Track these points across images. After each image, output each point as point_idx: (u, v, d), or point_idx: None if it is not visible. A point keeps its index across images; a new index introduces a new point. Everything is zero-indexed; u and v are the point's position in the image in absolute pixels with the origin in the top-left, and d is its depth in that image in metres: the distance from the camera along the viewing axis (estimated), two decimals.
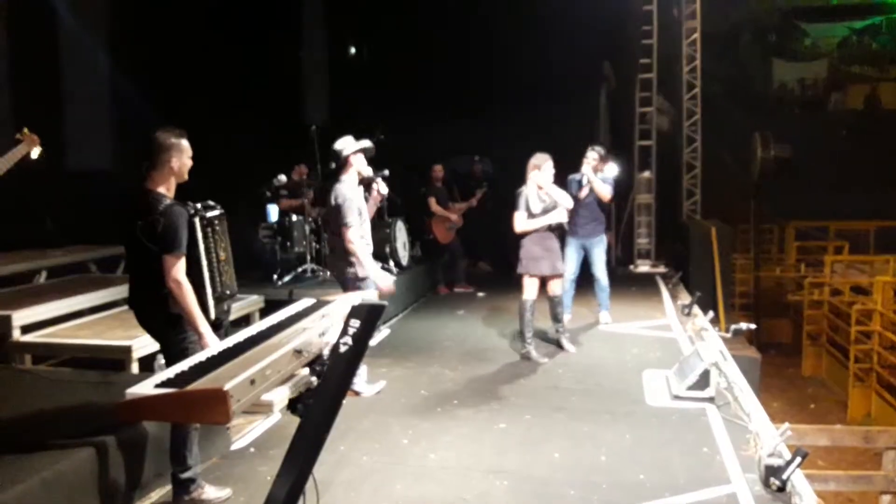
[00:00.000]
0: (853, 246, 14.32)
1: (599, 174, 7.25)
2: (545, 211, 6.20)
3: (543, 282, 6.28)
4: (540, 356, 6.29)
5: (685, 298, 8.65)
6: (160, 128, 3.45)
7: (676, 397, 5.20)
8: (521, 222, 6.20)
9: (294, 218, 8.10)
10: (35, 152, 4.14)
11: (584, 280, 7.60)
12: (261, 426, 4.67)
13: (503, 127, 11.71)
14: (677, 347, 6.66)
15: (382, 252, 8.73)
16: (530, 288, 6.24)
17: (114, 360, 4.93)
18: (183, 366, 2.24)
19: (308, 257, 8.11)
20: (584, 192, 7.19)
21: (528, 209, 6.18)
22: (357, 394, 5.17)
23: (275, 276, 7.86)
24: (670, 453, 4.30)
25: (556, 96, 11.59)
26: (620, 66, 13.46)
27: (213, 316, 3.49)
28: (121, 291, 6.31)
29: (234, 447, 4.37)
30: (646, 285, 10.24)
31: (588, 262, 7.38)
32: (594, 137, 12.64)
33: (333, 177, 5.28)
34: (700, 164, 12.95)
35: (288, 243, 8.04)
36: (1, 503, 2.67)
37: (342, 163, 5.17)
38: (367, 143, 5.29)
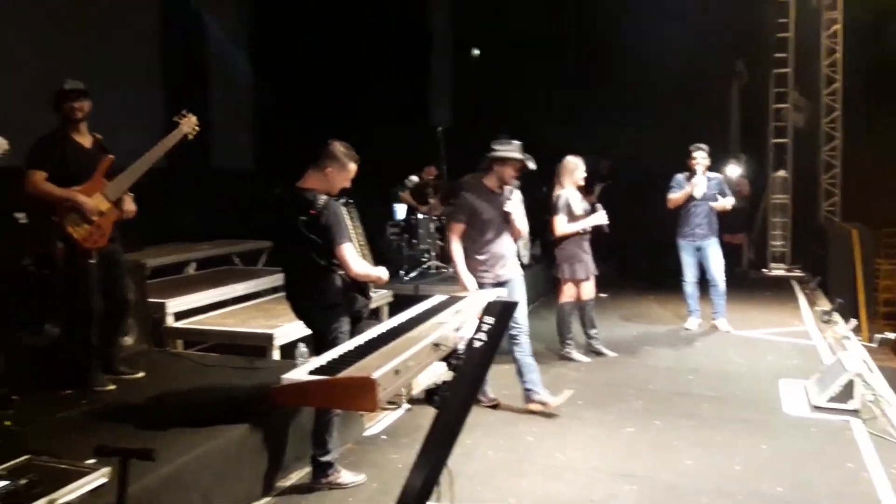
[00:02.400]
0: None
1: (711, 182, 6.97)
2: (586, 213, 6.17)
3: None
4: (581, 355, 6.33)
5: (824, 304, 8.18)
6: (338, 141, 3.72)
7: (816, 408, 4.93)
8: (562, 225, 6.12)
9: (420, 216, 8.33)
10: (191, 132, 4.37)
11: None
12: (392, 415, 4.83)
13: (632, 126, 11.50)
14: (816, 356, 6.32)
15: None
16: (571, 291, 6.27)
17: (257, 347, 5.24)
18: (333, 354, 2.37)
19: (433, 254, 8.30)
20: (698, 192, 6.90)
21: (569, 212, 6.11)
22: (544, 404, 4.92)
23: (401, 272, 8.09)
24: (811, 467, 4.09)
25: (685, 93, 11.26)
26: (754, 60, 12.86)
27: (370, 296, 3.79)
28: (262, 283, 6.74)
29: (366, 434, 4.55)
30: (781, 290, 9.75)
31: (703, 266, 7.10)
32: (725, 135, 12.18)
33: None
34: (840, 163, 12.17)
35: (414, 240, 8.29)
36: (157, 476, 2.90)
37: (485, 164, 4.94)
38: (516, 154, 4.86)
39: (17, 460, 2.64)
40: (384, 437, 4.52)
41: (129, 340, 4.95)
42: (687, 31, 11.01)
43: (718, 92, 12.64)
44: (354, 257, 3.56)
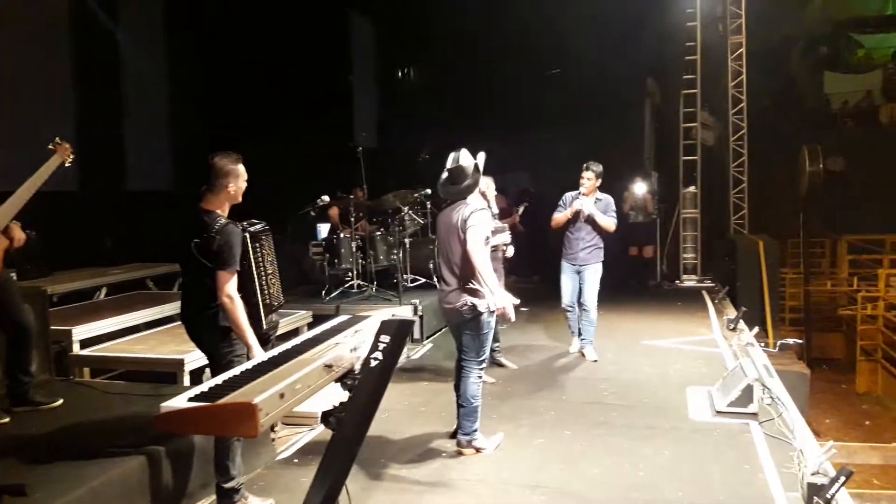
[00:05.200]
0: None
1: (598, 203, 6.62)
2: (494, 232, 5.75)
3: None
4: (511, 362, 6.51)
5: (731, 313, 8.53)
6: (219, 153, 3.64)
7: (719, 413, 5.14)
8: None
9: (342, 235, 8.33)
10: (68, 161, 4.25)
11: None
12: (305, 437, 4.80)
13: (551, 144, 11.79)
14: (722, 363, 6.58)
15: (425, 267, 8.87)
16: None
17: (167, 373, 5.13)
18: (217, 380, 2.36)
19: (355, 273, 8.31)
20: (580, 206, 6.57)
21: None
22: (478, 450, 4.57)
23: (323, 292, 8.07)
24: (711, 470, 4.26)
25: (601, 113, 11.63)
26: (665, 81, 13.44)
27: (265, 327, 3.67)
28: (176, 307, 6.57)
29: (279, 458, 4.50)
30: (691, 300, 10.12)
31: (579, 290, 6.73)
32: (638, 153, 12.65)
33: (460, 196, 4.58)
34: (747, 178, 12.78)
35: (336, 260, 8.27)
36: None
37: (472, 182, 4.56)
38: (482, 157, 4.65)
39: None
40: (296, 459, 4.49)
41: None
42: (602, 53, 11.42)
43: (633, 111, 13.12)
44: (232, 287, 3.47)
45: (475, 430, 4.57)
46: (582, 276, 6.69)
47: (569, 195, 6.70)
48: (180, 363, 5.08)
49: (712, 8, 12.99)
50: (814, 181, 13.26)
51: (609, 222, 6.59)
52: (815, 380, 8.95)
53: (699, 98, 12.83)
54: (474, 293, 4.45)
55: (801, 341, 8.13)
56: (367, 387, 2.58)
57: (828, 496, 3.63)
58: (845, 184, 14.70)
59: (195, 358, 5.07)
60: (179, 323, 6.40)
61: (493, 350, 6.28)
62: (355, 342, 2.76)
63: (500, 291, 4.53)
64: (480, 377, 4.61)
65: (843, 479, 3.62)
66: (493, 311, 4.52)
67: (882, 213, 14.77)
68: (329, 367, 2.46)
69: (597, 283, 6.68)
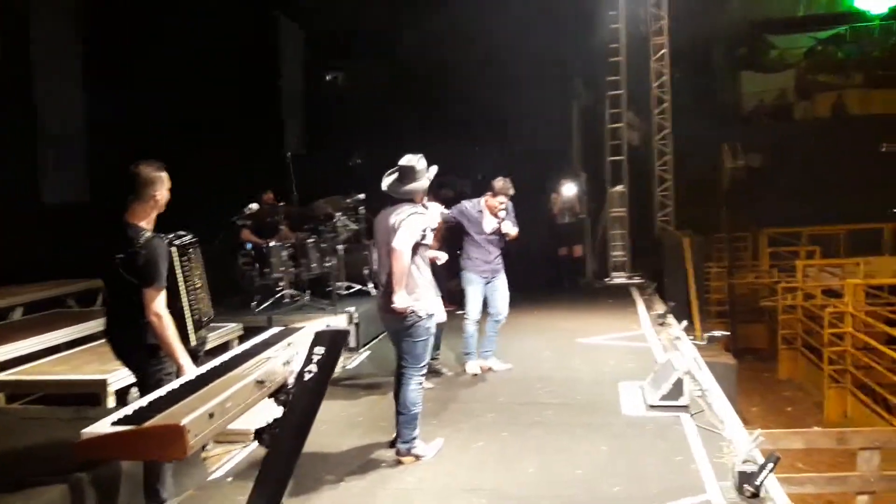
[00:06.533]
0: (825, 250, 14.60)
1: (508, 215, 6.34)
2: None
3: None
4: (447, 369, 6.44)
5: (660, 308, 8.76)
6: (142, 162, 3.51)
7: (652, 407, 5.26)
8: None
9: (272, 244, 8.11)
10: None
11: None
12: (238, 455, 4.67)
13: (482, 148, 11.86)
14: (652, 357, 6.74)
15: (360, 274, 8.78)
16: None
17: (90, 395, 4.91)
18: (143, 402, 2.27)
19: (287, 282, 8.12)
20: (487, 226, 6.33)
21: None
22: (418, 458, 4.52)
23: (253, 303, 7.86)
24: (645, 463, 4.36)
25: (530, 117, 11.77)
26: (592, 83, 13.71)
27: (193, 344, 3.55)
28: (98, 325, 6.29)
29: (211, 478, 4.37)
30: (621, 297, 10.35)
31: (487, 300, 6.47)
32: (567, 155, 12.88)
33: (403, 196, 4.54)
34: (672, 176, 13.15)
35: (266, 269, 8.04)
36: None
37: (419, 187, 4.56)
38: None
39: None
40: (230, 479, 4.36)
41: None
42: (530, 56, 11.57)
43: (561, 113, 13.34)
44: (160, 305, 3.36)
45: (414, 438, 4.53)
46: (493, 285, 6.40)
47: (469, 208, 6.33)
48: (104, 383, 4.86)
49: (635, 10, 13.29)
50: (735, 177, 13.77)
51: (516, 231, 6.39)
52: (741, 369, 9.26)
53: (625, 99, 13.14)
54: (414, 299, 4.41)
55: (728, 333, 8.41)
56: (301, 401, 2.53)
57: (757, 483, 3.76)
58: (763, 179, 15.35)
59: (120, 377, 4.86)
60: (103, 341, 6.18)
61: (432, 358, 6.06)
62: (287, 355, 2.70)
63: (403, 293, 4.36)
64: (421, 384, 4.58)
65: (771, 465, 3.76)
66: (431, 315, 4.51)
67: (798, 207, 15.51)
68: (261, 382, 2.39)
69: (507, 290, 6.47)
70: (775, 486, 3.87)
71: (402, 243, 4.34)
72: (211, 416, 2.05)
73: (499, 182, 6.27)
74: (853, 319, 10.06)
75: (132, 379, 4.65)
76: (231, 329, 6.73)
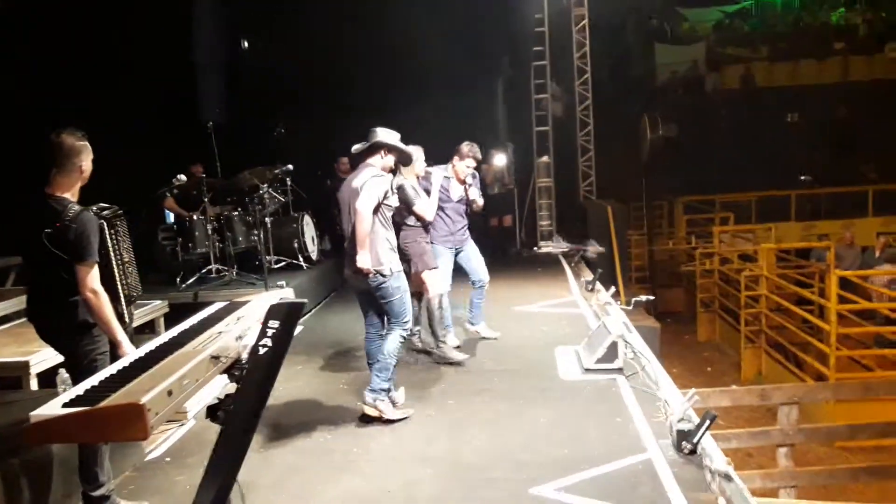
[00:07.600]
0: (738, 217, 15.27)
1: (474, 180, 6.25)
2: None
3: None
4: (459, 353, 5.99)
5: (587, 275, 8.95)
6: (63, 130, 3.27)
7: (588, 370, 5.38)
8: (428, 206, 5.67)
9: (195, 217, 7.79)
10: None
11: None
12: (175, 434, 4.49)
13: (407, 120, 11.68)
14: (584, 323, 6.89)
15: (291, 247, 8.57)
16: (434, 280, 5.76)
17: (10, 378, 4.61)
18: (93, 381, 2.12)
19: (212, 257, 7.83)
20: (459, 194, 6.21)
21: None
22: (381, 414, 4.57)
23: (178, 280, 7.56)
24: (587, 426, 4.45)
25: (456, 88, 11.67)
26: (516, 54, 13.71)
27: (128, 321, 3.37)
28: (12, 305, 5.91)
29: (148, 458, 4.19)
30: (550, 265, 10.52)
31: (461, 268, 6.36)
32: (495, 126, 12.89)
33: (362, 153, 4.81)
34: (594, 146, 13.39)
35: (190, 244, 7.72)
36: None
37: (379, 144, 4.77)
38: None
39: None
40: (168, 458, 4.20)
41: None
42: (456, 30, 11.44)
43: (487, 85, 13.30)
44: (95, 280, 3.17)
45: (384, 391, 4.58)
46: (465, 254, 6.27)
47: (439, 177, 5.97)
48: (25, 366, 4.57)
49: None
50: (654, 146, 14.15)
51: (482, 201, 6.33)
52: (663, 332, 9.61)
53: (549, 69, 13.23)
54: (377, 258, 4.55)
55: (652, 298, 8.69)
56: (256, 376, 2.43)
57: (695, 440, 3.90)
58: (679, 148, 15.86)
59: (43, 358, 4.59)
60: (21, 322, 5.82)
61: (410, 334, 5.45)
62: (240, 330, 2.58)
63: (366, 253, 4.50)
64: (403, 338, 4.69)
65: (707, 422, 3.90)
66: (397, 272, 4.64)
67: (712, 175, 16.12)
68: (216, 358, 2.28)
69: (479, 253, 6.37)
70: (711, 443, 4.02)
71: (363, 205, 4.48)
72: (170, 393, 1.94)
73: (465, 146, 6.09)
74: (767, 282, 10.58)
75: (57, 360, 4.42)
76: (157, 306, 6.45)
